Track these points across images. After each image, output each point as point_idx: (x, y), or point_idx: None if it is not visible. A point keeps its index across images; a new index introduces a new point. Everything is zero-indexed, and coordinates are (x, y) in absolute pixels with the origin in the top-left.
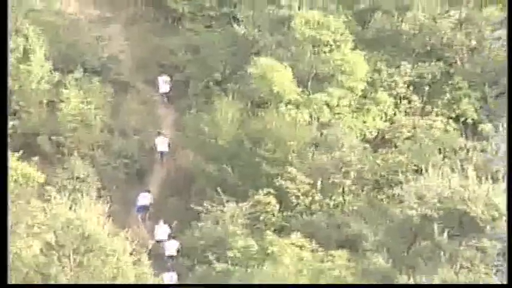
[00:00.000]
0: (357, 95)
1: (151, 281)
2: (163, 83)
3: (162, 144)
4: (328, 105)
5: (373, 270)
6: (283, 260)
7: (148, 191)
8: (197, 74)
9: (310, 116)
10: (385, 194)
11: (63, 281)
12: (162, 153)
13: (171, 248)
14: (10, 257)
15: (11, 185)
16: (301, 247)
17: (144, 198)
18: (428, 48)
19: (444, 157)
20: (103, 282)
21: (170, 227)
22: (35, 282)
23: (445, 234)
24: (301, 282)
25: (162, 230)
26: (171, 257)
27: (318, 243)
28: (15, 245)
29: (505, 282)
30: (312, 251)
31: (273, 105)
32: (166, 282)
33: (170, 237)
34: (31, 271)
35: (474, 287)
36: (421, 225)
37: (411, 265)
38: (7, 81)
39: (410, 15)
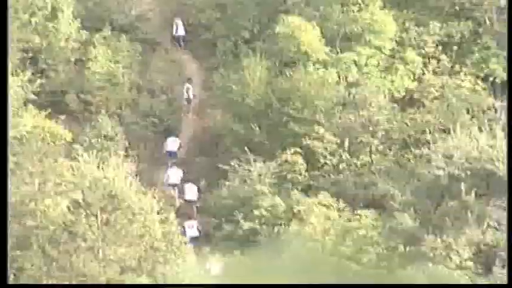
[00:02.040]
0: (385, 54)
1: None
2: (179, 26)
3: (188, 93)
4: (356, 64)
5: (400, 230)
6: (310, 219)
7: (177, 136)
8: (225, 33)
9: (338, 76)
10: (413, 154)
11: (91, 238)
12: (188, 99)
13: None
14: (9, 256)
15: (38, 143)
16: (328, 206)
17: (173, 143)
18: (457, 7)
19: (472, 117)
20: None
21: (198, 188)
22: (62, 240)
23: (473, 194)
24: (327, 242)
25: (191, 190)
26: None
27: (345, 202)
28: (43, 203)
29: (505, 282)
30: (339, 210)
31: (301, 65)
32: (187, 230)
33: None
34: (58, 229)
35: (474, 287)
36: (448, 185)
37: (438, 225)
38: (7, 81)
39: None
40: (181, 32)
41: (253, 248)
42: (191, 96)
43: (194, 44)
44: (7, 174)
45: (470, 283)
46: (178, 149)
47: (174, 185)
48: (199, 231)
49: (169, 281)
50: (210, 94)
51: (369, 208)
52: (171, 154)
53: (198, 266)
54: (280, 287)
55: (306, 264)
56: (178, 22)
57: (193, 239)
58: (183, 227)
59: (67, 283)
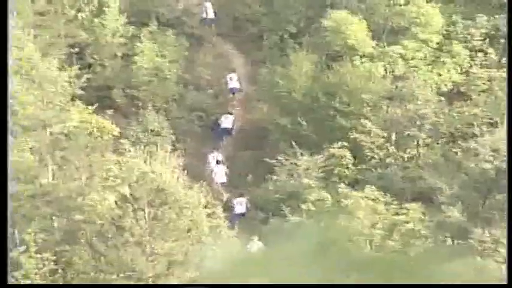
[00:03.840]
0: (432, 47)
1: (225, 234)
2: (208, 9)
3: (232, 82)
4: (403, 58)
5: (448, 224)
6: (357, 213)
7: (231, 113)
8: (271, 27)
9: (385, 69)
10: (460, 147)
11: (138, 233)
12: (233, 90)
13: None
14: (9, 256)
15: (86, 138)
16: (375, 200)
17: (227, 120)
18: (505, 0)
19: None
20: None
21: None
22: (110, 235)
23: None
24: (376, 236)
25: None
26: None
27: (392, 196)
28: (90, 198)
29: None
30: (386, 204)
31: (347, 58)
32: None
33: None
34: (106, 224)
35: (474, 287)
36: (496, 179)
37: (486, 218)
38: (7, 81)
39: None
40: (210, 14)
41: (299, 240)
42: (236, 86)
43: (240, 38)
44: (7, 174)
45: (471, 283)
46: (233, 126)
47: (226, 131)
48: (248, 209)
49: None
50: (257, 88)
51: (416, 202)
52: (226, 131)
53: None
54: (280, 287)
55: (352, 259)
56: (208, 5)
57: (239, 215)
58: (232, 203)
59: (67, 283)
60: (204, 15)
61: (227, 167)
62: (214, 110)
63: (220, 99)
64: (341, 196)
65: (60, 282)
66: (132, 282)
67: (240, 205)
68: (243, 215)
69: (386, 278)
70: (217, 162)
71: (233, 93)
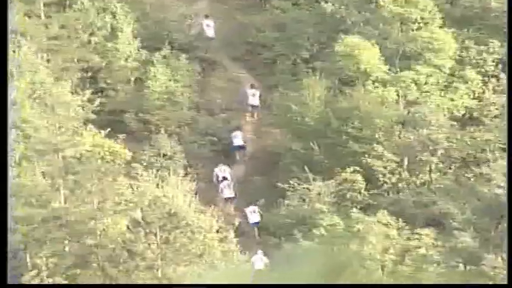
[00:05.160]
0: (444, 73)
1: (236, 259)
2: (208, 28)
3: (253, 98)
4: (415, 83)
5: (460, 249)
6: (369, 238)
7: (239, 129)
8: (284, 52)
9: (398, 94)
10: (473, 172)
11: (150, 257)
12: (253, 107)
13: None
14: (9, 256)
15: (98, 163)
16: (387, 225)
17: (237, 138)
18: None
19: None
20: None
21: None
22: (122, 259)
23: None
24: (386, 261)
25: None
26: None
27: (404, 221)
28: (102, 222)
29: (505, 282)
30: (399, 229)
31: (360, 83)
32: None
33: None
34: (118, 248)
35: (474, 287)
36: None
37: (499, 244)
38: (7, 80)
39: None
40: (210, 33)
41: (311, 267)
42: (256, 104)
43: (253, 63)
44: (7, 174)
45: (470, 283)
46: (244, 142)
47: (239, 147)
48: (261, 216)
49: None
50: (269, 113)
51: (429, 227)
52: (239, 148)
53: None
54: (280, 287)
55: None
56: (207, 22)
57: (256, 224)
58: (245, 214)
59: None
60: (205, 33)
61: (235, 185)
62: (226, 134)
63: (233, 124)
64: (353, 221)
65: None
66: None
67: (253, 213)
68: (257, 223)
69: None
70: (224, 178)
71: (252, 109)
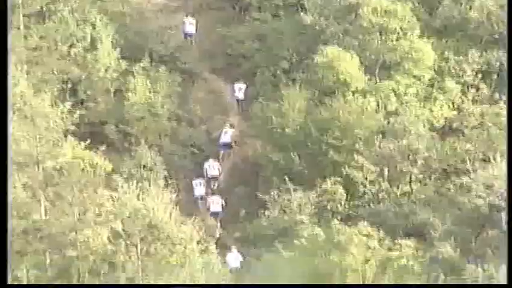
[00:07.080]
0: (424, 83)
1: (217, 270)
2: (188, 24)
3: (239, 93)
4: (395, 93)
5: (441, 259)
6: (350, 249)
7: (231, 125)
8: (264, 63)
9: (377, 104)
10: (453, 183)
11: (131, 269)
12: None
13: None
14: (10, 256)
15: (78, 174)
16: (368, 236)
17: (226, 135)
18: (496, 35)
19: None
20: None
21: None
22: (103, 271)
23: None
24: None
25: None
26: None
27: (385, 232)
28: (82, 234)
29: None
30: (379, 239)
31: (340, 94)
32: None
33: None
34: (98, 259)
35: (474, 287)
36: (489, 214)
37: (479, 254)
38: (7, 81)
39: (478, 2)
40: (190, 29)
41: (291, 277)
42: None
43: (234, 74)
44: (7, 175)
45: (470, 283)
46: (232, 140)
47: (226, 146)
48: (223, 208)
49: None
50: (250, 124)
51: (410, 237)
52: (225, 146)
53: None
54: (280, 287)
55: None
56: (190, 20)
57: (215, 214)
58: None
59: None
60: (185, 30)
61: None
62: (207, 145)
63: (213, 135)
64: (334, 232)
65: None
66: None
67: (215, 204)
68: (216, 214)
69: None
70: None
71: (237, 103)
